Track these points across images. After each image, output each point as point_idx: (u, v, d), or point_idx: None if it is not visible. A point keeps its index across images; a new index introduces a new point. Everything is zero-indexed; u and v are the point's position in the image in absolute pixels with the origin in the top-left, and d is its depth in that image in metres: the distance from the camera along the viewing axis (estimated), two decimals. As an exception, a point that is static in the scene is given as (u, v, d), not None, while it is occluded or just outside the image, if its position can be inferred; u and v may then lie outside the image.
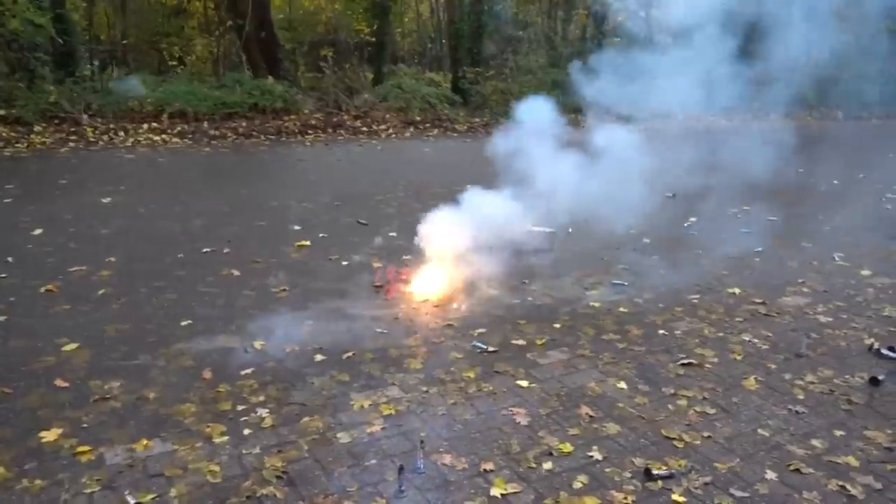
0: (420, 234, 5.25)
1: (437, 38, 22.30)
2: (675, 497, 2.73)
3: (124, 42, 16.78)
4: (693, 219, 7.12)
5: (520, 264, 5.43)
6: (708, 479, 2.85)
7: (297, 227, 6.31)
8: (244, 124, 11.98)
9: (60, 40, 11.66)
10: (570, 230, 6.13)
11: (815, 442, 3.17)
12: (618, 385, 3.64)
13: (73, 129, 10.62)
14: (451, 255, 5.10)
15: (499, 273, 5.14)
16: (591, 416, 3.31)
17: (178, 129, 11.38)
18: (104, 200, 6.97)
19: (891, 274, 5.64)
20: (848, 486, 2.84)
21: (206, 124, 11.72)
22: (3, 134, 10.02)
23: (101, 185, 7.68)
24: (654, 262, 5.74)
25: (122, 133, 10.80)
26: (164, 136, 10.98)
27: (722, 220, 7.12)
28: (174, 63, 16.15)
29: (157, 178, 8.65)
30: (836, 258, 6.06)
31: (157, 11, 17.23)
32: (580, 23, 20.28)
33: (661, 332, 4.39)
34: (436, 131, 13.42)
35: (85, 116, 10.95)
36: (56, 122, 10.81)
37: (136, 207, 6.83)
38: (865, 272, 5.68)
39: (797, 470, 2.95)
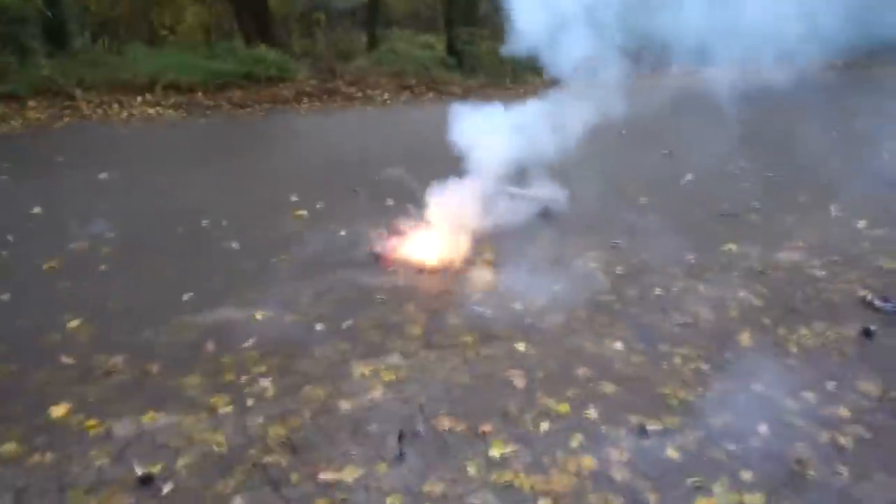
0: (418, 200, 5.26)
1: (432, -2, 21.94)
2: (669, 453, 2.80)
3: (115, 12, 16.56)
4: (689, 176, 7.11)
5: (518, 228, 5.45)
6: (701, 433, 2.93)
7: (294, 198, 6.32)
8: (238, 94, 11.85)
9: (49, 13, 11.52)
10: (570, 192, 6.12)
11: (807, 394, 3.24)
12: (614, 346, 3.70)
13: (67, 104, 10.52)
14: (449, 221, 5.12)
15: (497, 238, 5.17)
16: (587, 377, 3.38)
17: (173, 100, 11.26)
18: (101, 176, 6.96)
19: (886, 225, 5.66)
20: (839, 437, 2.91)
21: (200, 95, 11.61)
22: (-3, 111, 9.96)
23: (98, 160, 7.66)
24: (650, 222, 5.76)
25: (116, 106, 10.73)
26: (158, 108, 10.87)
27: (718, 176, 7.11)
28: (165, 33, 15.96)
29: (152, 151, 8.62)
30: (833, 211, 6.07)
31: (147, -21, 16.98)
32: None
33: (656, 291, 4.43)
34: (431, 95, 13.29)
35: (78, 91, 10.86)
36: (49, 96, 10.74)
37: (133, 182, 6.83)
38: (861, 224, 5.70)
39: (789, 423, 3.02)
